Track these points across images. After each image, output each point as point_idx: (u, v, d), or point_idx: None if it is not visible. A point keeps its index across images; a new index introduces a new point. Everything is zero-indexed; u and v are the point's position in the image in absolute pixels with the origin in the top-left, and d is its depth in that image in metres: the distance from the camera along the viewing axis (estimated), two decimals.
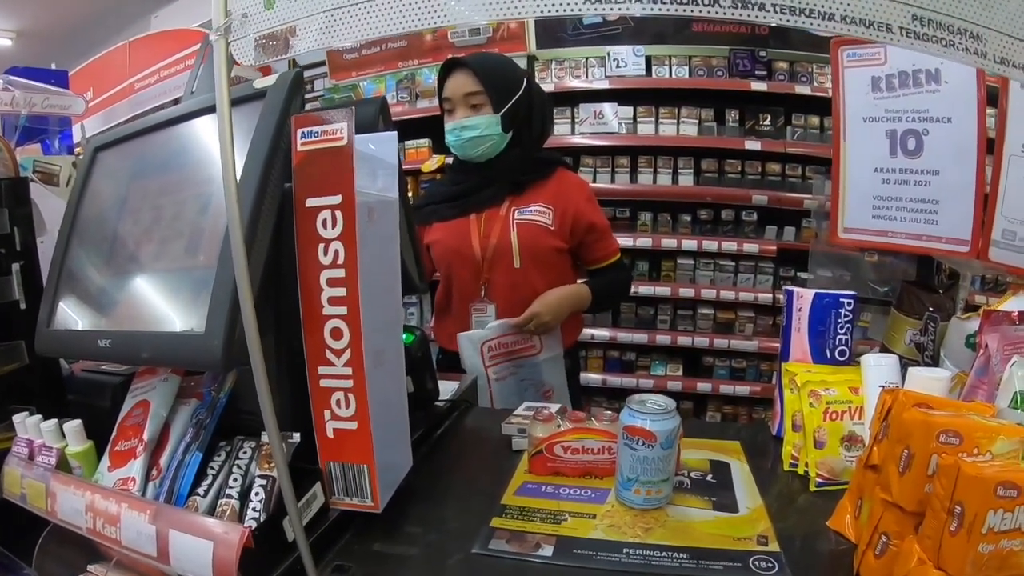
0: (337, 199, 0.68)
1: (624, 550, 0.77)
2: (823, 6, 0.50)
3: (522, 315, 1.44)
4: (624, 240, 2.94)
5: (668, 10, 0.48)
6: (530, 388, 1.50)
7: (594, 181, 3.05)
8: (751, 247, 2.94)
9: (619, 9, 0.49)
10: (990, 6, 0.54)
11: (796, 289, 1.12)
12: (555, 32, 3.10)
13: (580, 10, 0.55)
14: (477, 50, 3.10)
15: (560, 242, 1.51)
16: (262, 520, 0.70)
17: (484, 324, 1.48)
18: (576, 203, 1.53)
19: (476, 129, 1.43)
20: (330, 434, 0.74)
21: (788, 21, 0.50)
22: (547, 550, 0.76)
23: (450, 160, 3.04)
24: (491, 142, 1.45)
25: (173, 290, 0.84)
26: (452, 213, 1.53)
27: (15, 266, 1.07)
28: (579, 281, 1.61)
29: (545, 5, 0.56)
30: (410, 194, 3.23)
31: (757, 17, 0.49)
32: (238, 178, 0.71)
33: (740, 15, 0.48)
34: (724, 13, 0.48)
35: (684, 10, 0.48)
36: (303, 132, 0.70)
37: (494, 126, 1.44)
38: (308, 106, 2.36)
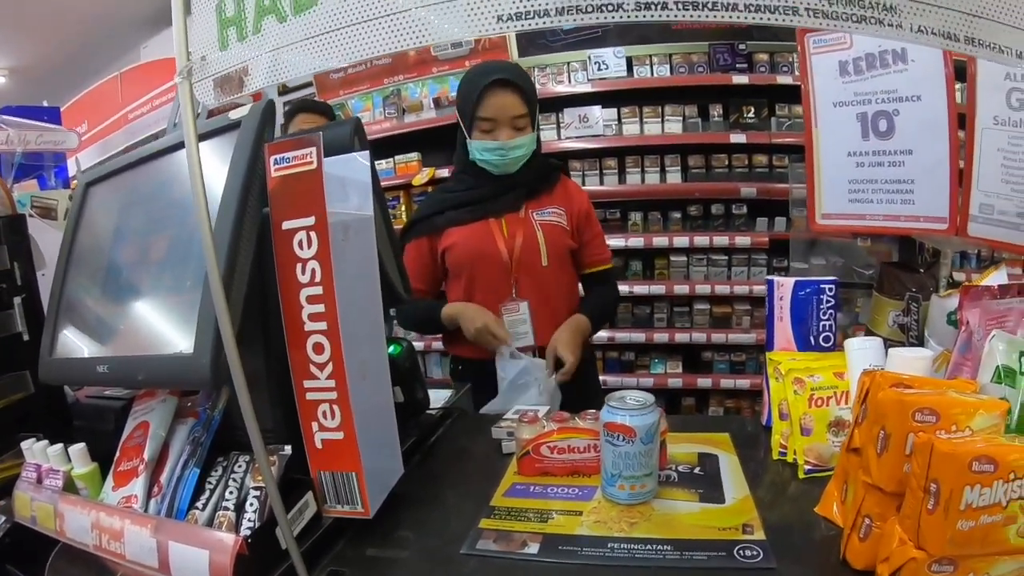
0: (311, 220, 0.71)
1: (609, 545, 0.78)
2: None
3: (566, 368, 1.45)
4: (616, 241, 2.96)
5: (578, 19, 0.50)
6: None
7: (583, 184, 3.07)
8: (743, 240, 2.96)
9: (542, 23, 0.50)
10: None
11: (776, 279, 1.14)
12: (536, 38, 3.14)
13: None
14: (460, 62, 3.14)
15: (573, 242, 1.59)
16: (256, 528, 0.73)
17: (515, 323, 1.51)
18: (580, 204, 1.61)
19: (522, 149, 1.46)
20: (318, 444, 0.77)
21: (693, 16, 0.51)
22: (533, 548, 0.79)
23: (442, 173, 3.10)
24: (527, 157, 1.50)
25: (164, 315, 0.87)
26: (469, 217, 1.54)
27: (16, 300, 1.11)
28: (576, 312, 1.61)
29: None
30: (403, 208, 3.26)
31: (661, 16, 0.50)
32: (218, 205, 0.75)
33: (644, 16, 0.50)
34: (628, 16, 0.50)
35: (592, 18, 0.50)
36: (276, 158, 0.73)
37: (532, 143, 1.49)
38: None
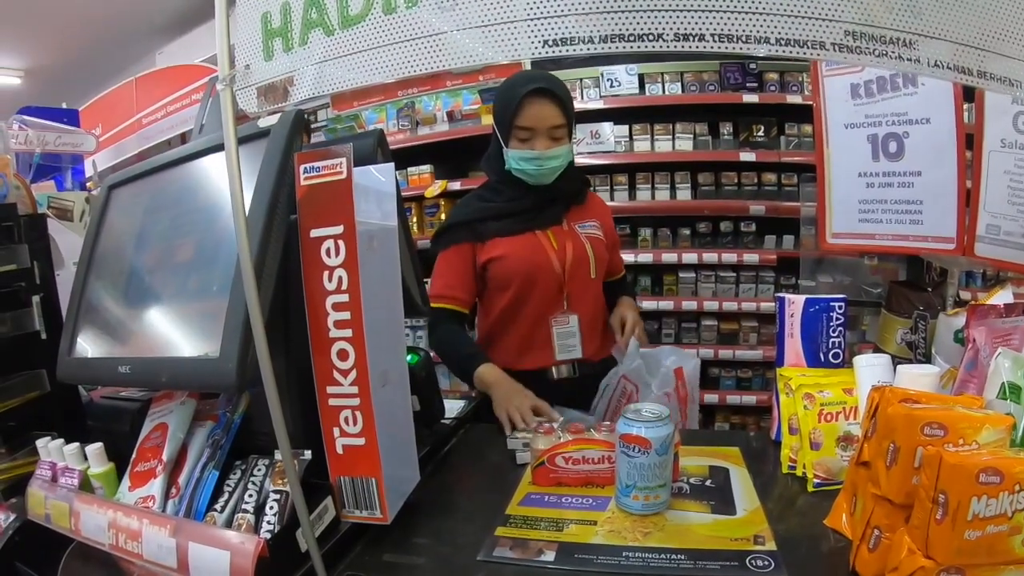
0: (339, 229, 0.73)
1: (624, 553, 0.79)
2: (758, 31, 0.54)
3: (631, 330, 1.51)
4: (626, 256, 2.93)
5: (621, 47, 0.52)
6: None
7: None
8: (751, 257, 2.97)
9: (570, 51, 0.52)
10: (919, 14, 0.57)
11: (787, 296, 1.15)
12: None
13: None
14: (474, 76, 3.16)
15: (608, 254, 1.62)
16: (276, 531, 0.74)
17: (565, 336, 1.49)
18: (607, 217, 1.65)
19: (558, 159, 1.45)
20: (339, 450, 0.78)
21: (726, 48, 0.54)
22: (549, 555, 0.79)
23: (454, 186, 3.11)
24: (562, 168, 1.49)
25: (188, 318, 0.88)
26: (515, 229, 1.51)
27: (35, 298, 1.13)
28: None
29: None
30: (415, 220, 3.28)
31: (698, 47, 0.53)
32: (247, 212, 0.77)
33: (682, 46, 0.52)
34: (667, 46, 0.52)
35: (634, 46, 0.52)
36: (305, 167, 0.75)
37: (569, 154, 1.49)
38: (312, 136, 2.35)
